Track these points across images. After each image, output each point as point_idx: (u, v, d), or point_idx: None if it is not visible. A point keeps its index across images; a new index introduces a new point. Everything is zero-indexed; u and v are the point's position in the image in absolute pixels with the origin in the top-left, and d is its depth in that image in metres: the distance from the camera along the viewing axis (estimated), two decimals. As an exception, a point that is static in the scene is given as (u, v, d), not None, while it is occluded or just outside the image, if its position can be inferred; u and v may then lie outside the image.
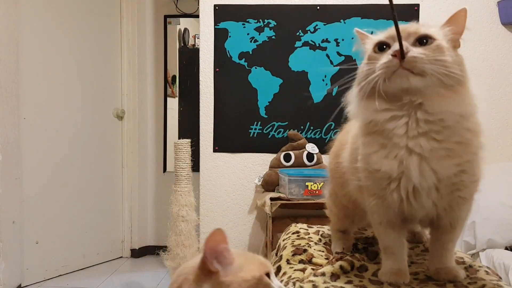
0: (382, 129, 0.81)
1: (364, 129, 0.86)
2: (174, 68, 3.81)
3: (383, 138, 0.82)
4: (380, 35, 0.85)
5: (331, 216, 1.22)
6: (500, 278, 0.99)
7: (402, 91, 0.78)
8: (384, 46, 0.82)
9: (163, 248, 2.95)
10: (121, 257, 3.66)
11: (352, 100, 0.87)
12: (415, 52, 0.76)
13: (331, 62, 2.69)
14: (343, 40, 2.67)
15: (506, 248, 2.15)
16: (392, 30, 0.81)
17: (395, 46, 0.77)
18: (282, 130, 2.73)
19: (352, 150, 0.95)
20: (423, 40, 0.78)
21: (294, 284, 0.93)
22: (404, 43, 0.76)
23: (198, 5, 2.83)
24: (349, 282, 0.94)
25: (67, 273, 3.20)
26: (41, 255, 3.01)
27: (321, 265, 1.06)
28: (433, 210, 0.85)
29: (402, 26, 0.80)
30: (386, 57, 0.78)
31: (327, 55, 2.70)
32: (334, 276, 0.96)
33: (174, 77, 3.82)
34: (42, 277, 3.03)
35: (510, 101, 2.65)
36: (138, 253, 3.69)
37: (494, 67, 2.63)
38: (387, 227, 0.91)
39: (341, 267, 0.98)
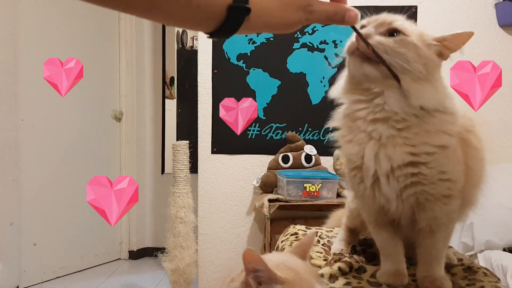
0: (349, 111, 0.84)
1: (342, 113, 0.88)
2: (172, 70, 3.81)
3: (350, 121, 0.83)
4: (364, 20, 0.86)
5: (347, 213, 1.21)
6: (499, 279, 0.99)
7: (360, 76, 0.81)
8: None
9: (161, 249, 2.94)
10: (119, 258, 3.65)
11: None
12: (375, 39, 0.77)
13: (329, 64, 2.70)
14: (341, 41, 2.67)
15: (504, 250, 2.15)
16: (375, 16, 0.83)
17: (363, 30, 0.79)
18: (280, 131, 2.73)
19: None
20: (393, 33, 0.79)
21: (292, 285, 0.93)
22: (371, 30, 0.79)
23: (196, 6, 2.83)
24: (347, 283, 0.94)
25: (65, 275, 3.19)
26: (39, 257, 3.00)
27: (319, 267, 1.06)
28: (402, 206, 0.84)
29: (383, 15, 0.82)
30: (350, 40, 0.81)
31: (325, 57, 2.70)
32: (333, 278, 0.96)
33: (172, 78, 3.82)
34: (40, 279, 3.02)
35: (508, 103, 2.65)
36: (136, 254, 3.68)
37: (492, 68, 2.64)
38: (376, 226, 0.92)
39: (339, 268, 0.98)
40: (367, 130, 0.80)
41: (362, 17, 0.88)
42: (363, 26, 0.83)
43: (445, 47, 0.83)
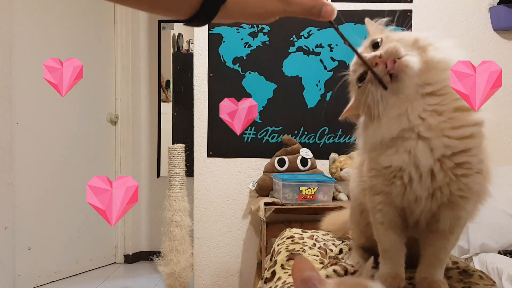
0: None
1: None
2: (168, 73, 3.81)
3: (391, 141, 0.81)
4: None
5: (352, 231, 1.19)
6: (494, 282, 0.99)
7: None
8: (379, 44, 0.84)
9: (157, 253, 2.93)
10: (115, 262, 3.64)
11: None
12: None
13: (325, 67, 2.71)
14: (336, 45, 2.69)
15: (499, 253, 2.16)
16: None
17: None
18: (276, 135, 2.73)
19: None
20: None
21: (288, 289, 0.93)
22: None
23: (192, 10, 2.83)
24: (343, 287, 0.93)
25: (60, 279, 3.17)
26: (33, 261, 2.99)
27: (315, 270, 1.05)
28: (430, 205, 0.82)
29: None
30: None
31: (321, 60, 2.71)
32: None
33: (168, 82, 3.82)
34: (34, 283, 3.00)
35: (502, 106, 2.67)
36: (131, 258, 3.67)
37: (486, 72, 2.65)
38: (388, 227, 0.90)
39: (334, 271, 0.98)
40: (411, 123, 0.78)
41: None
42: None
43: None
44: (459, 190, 0.80)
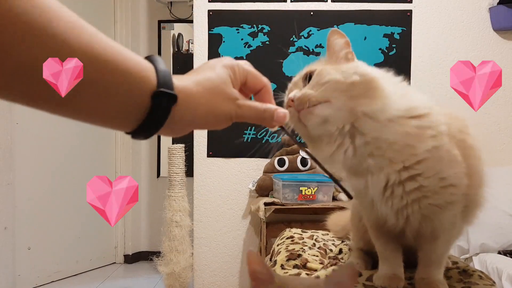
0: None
1: None
2: (168, 73, 3.81)
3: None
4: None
5: (352, 234, 1.19)
6: (494, 282, 0.99)
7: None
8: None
9: (157, 253, 2.93)
10: (114, 263, 3.64)
11: None
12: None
13: (325, 67, 2.70)
14: (336, 45, 2.69)
15: (499, 253, 2.16)
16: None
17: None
18: (276, 135, 2.73)
19: None
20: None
21: (288, 289, 0.93)
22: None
23: (192, 10, 2.84)
24: (343, 287, 0.93)
25: (59, 279, 3.17)
26: (33, 261, 2.99)
27: (315, 270, 1.06)
28: (403, 220, 0.82)
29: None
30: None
31: (321, 60, 2.71)
32: (329, 281, 0.96)
33: (168, 82, 3.82)
34: (34, 283, 3.00)
35: (502, 106, 2.67)
36: (131, 258, 3.67)
37: (486, 72, 2.65)
38: (376, 231, 0.91)
39: (334, 271, 0.98)
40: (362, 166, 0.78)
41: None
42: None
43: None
44: (427, 208, 0.79)
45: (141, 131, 0.50)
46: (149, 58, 0.51)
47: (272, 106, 0.60)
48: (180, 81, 0.52)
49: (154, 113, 0.49)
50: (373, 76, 0.75)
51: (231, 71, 0.57)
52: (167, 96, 0.49)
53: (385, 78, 0.78)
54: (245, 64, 0.60)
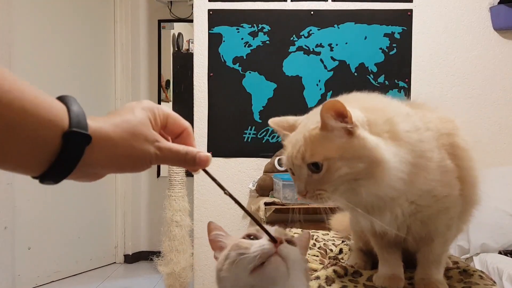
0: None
1: None
2: (168, 73, 3.81)
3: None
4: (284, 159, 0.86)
5: (352, 234, 1.19)
6: (495, 282, 0.99)
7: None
8: None
9: (157, 253, 2.93)
10: (114, 262, 3.63)
11: None
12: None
13: (325, 67, 2.70)
14: (337, 45, 2.68)
15: (500, 253, 2.16)
16: None
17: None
18: (276, 134, 2.73)
19: None
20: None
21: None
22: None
23: (192, 10, 2.84)
24: (344, 287, 0.93)
25: (59, 279, 3.17)
26: (33, 261, 2.98)
27: (315, 270, 1.05)
28: (403, 231, 0.85)
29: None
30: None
31: (321, 60, 2.70)
32: (329, 281, 0.96)
33: (168, 81, 3.82)
34: (34, 283, 3.00)
35: (502, 106, 2.67)
36: (131, 258, 3.66)
37: (486, 72, 2.65)
38: (375, 238, 0.92)
39: (334, 271, 0.98)
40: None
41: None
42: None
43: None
44: (424, 220, 0.83)
45: (50, 174, 0.47)
46: (61, 98, 0.49)
47: (193, 149, 0.59)
48: (95, 122, 0.49)
49: (65, 154, 0.46)
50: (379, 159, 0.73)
51: (151, 113, 0.55)
52: (80, 136, 0.46)
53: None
54: (165, 108, 0.59)
